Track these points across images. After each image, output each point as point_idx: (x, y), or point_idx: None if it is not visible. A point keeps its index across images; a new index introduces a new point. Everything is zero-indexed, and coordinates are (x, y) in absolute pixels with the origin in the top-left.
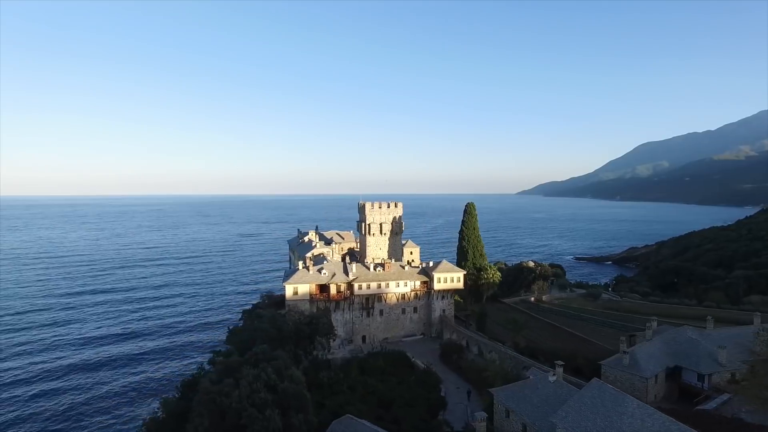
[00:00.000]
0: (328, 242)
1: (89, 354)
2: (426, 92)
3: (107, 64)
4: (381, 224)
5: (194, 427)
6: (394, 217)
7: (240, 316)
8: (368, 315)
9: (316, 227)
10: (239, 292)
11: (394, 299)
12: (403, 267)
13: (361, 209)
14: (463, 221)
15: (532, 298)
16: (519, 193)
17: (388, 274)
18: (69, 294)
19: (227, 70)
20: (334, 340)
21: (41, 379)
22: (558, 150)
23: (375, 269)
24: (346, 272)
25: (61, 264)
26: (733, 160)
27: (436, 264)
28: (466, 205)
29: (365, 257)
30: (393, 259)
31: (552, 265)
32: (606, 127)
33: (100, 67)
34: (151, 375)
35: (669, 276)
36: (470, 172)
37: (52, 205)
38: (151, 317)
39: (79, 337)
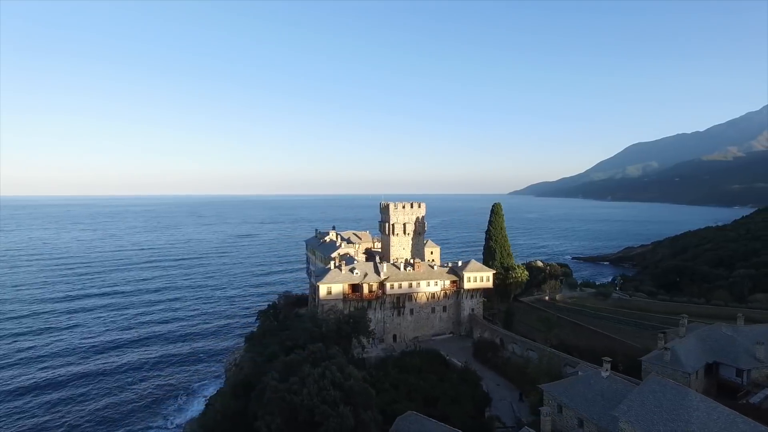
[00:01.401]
0: (348, 242)
1: (95, 359)
2: (418, 92)
3: (107, 65)
4: (404, 224)
5: (266, 424)
6: (417, 218)
7: (256, 316)
8: (399, 314)
9: (333, 227)
10: (244, 294)
11: (424, 298)
12: (432, 266)
13: (385, 210)
14: (490, 221)
15: (546, 297)
16: (511, 193)
17: (418, 274)
18: (69, 298)
19: (224, 70)
20: (373, 339)
21: (44, 385)
22: (549, 150)
23: (405, 269)
24: (377, 272)
25: (57, 266)
26: (722, 160)
27: (465, 263)
28: (492, 206)
29: (389, 257)
30: (418, 259)
31: (560, 265)
32: (596, 128)
33: (100, 67)
34: (159, 382)
35: (671, 275)
36: (462, 172)
37: (48, 206)
38: (157, 321)
39: (84, 341)
